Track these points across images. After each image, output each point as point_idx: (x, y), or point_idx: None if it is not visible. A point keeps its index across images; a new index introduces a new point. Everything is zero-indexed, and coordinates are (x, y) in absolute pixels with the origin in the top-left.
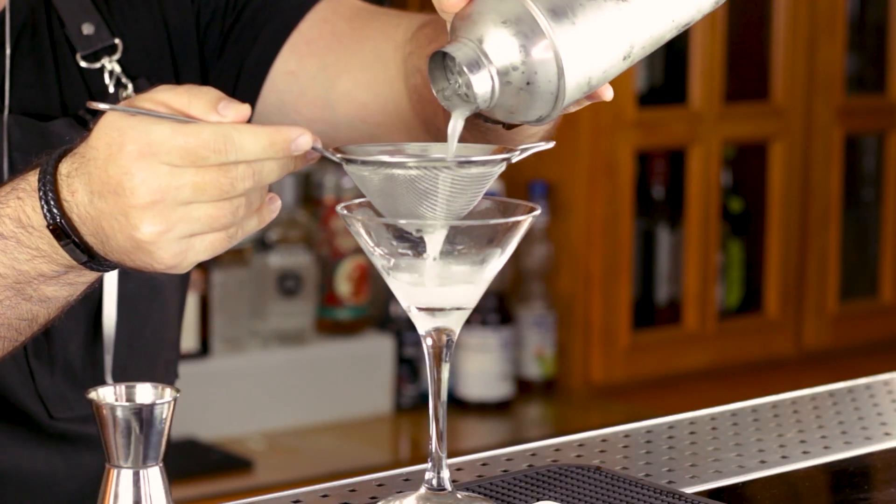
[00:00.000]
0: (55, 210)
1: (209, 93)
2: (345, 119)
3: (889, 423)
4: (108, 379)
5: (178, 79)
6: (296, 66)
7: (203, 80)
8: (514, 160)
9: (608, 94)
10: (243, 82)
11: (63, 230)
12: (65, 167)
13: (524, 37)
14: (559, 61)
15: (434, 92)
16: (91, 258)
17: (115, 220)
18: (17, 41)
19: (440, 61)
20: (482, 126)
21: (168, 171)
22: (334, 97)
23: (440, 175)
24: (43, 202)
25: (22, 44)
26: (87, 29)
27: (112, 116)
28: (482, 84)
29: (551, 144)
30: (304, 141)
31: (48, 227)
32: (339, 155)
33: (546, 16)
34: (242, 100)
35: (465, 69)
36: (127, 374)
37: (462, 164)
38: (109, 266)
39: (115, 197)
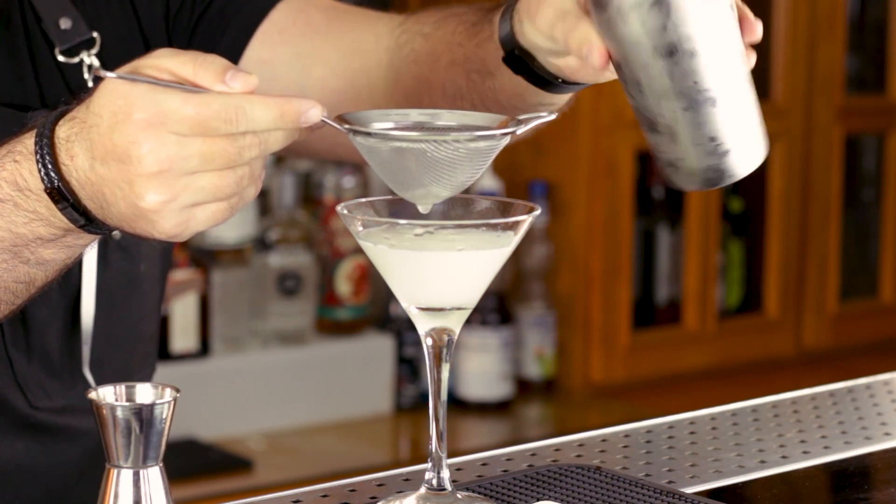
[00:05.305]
0: (53, 173)
1: (215, 61)
2: None
3: (889, 423)
4: (86, 370)
5: None
6: (269, 54)
7: None
8: (519, 132)
9: None
10: None
11: (61, 193)
12: (63, 131)
13: None
14: None
15: None
16: (89, 221)
17: (117, 187)
18: None
19: None
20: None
21: (176, 141)
22: (308, 84)
23: (448, 147)
24: (40, 165)
25: None
26: (65, 23)
27: (115, 83)
28: None
29: (553, 116)
30: (313, 113)
31: (46, 190)
32: (346, 126)
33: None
34: None
35: None
36: (104, 365)
37: (470, 137)
38: (108, 229)
39: (120, 165)
